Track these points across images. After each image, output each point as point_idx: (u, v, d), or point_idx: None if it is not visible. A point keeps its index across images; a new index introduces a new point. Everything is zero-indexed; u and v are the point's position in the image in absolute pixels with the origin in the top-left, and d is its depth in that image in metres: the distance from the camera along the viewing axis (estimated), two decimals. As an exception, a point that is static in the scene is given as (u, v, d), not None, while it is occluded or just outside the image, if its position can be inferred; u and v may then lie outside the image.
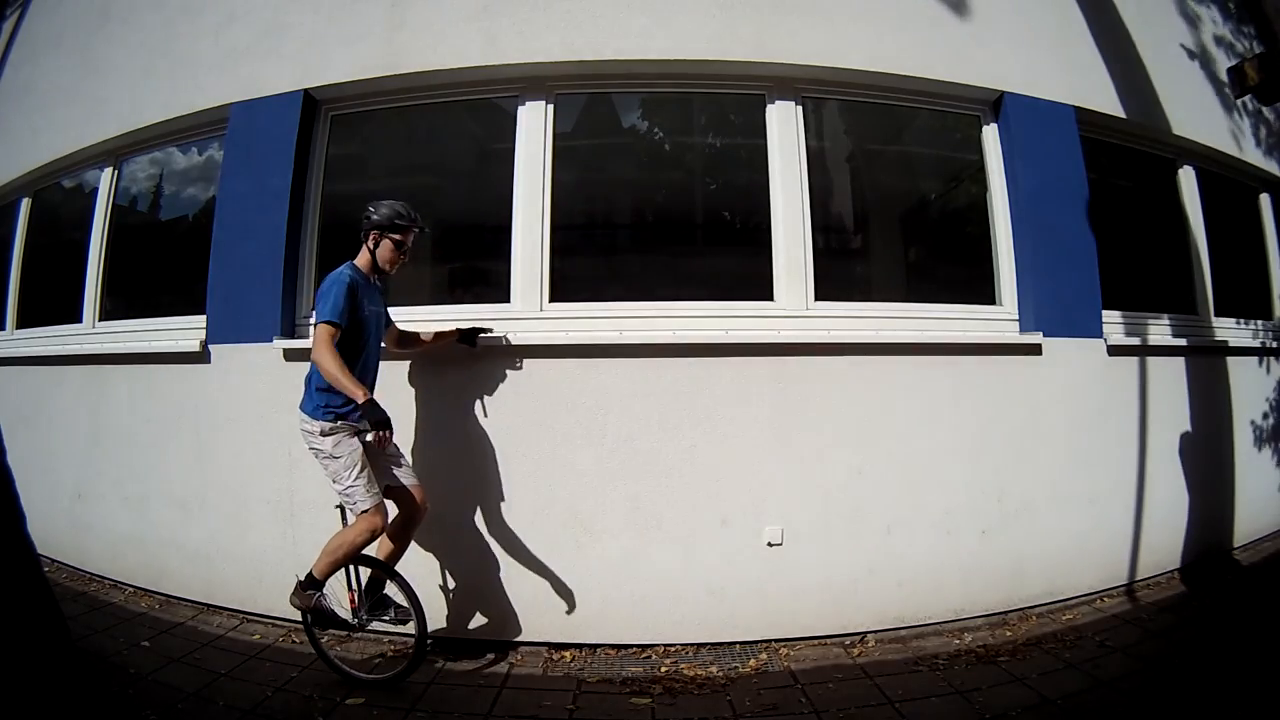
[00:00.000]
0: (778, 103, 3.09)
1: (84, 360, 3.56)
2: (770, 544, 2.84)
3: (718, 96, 3.30)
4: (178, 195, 3.74)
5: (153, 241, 3.81)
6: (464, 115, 3.34)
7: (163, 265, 3.72)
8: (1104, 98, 3.41)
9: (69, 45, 3.93)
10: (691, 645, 2.79)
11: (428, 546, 2.87)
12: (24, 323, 4.07)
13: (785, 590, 2.83)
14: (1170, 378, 3.46)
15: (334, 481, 2.42)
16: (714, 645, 2.78)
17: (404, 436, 2.90)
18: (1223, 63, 3.78)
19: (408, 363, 2.92)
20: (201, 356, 3.15)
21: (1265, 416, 3.90)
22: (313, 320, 2.41)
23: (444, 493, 2.86)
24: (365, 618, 2.50)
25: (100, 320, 3.67)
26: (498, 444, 2.86)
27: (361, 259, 2.57)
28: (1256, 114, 4.05)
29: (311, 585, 2.44)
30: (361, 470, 2.39)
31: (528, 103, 3.06)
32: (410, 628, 2.48)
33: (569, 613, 2.80)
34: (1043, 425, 3.12)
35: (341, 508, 2.51)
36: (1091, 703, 2.23)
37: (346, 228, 3.37)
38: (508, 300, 2.99)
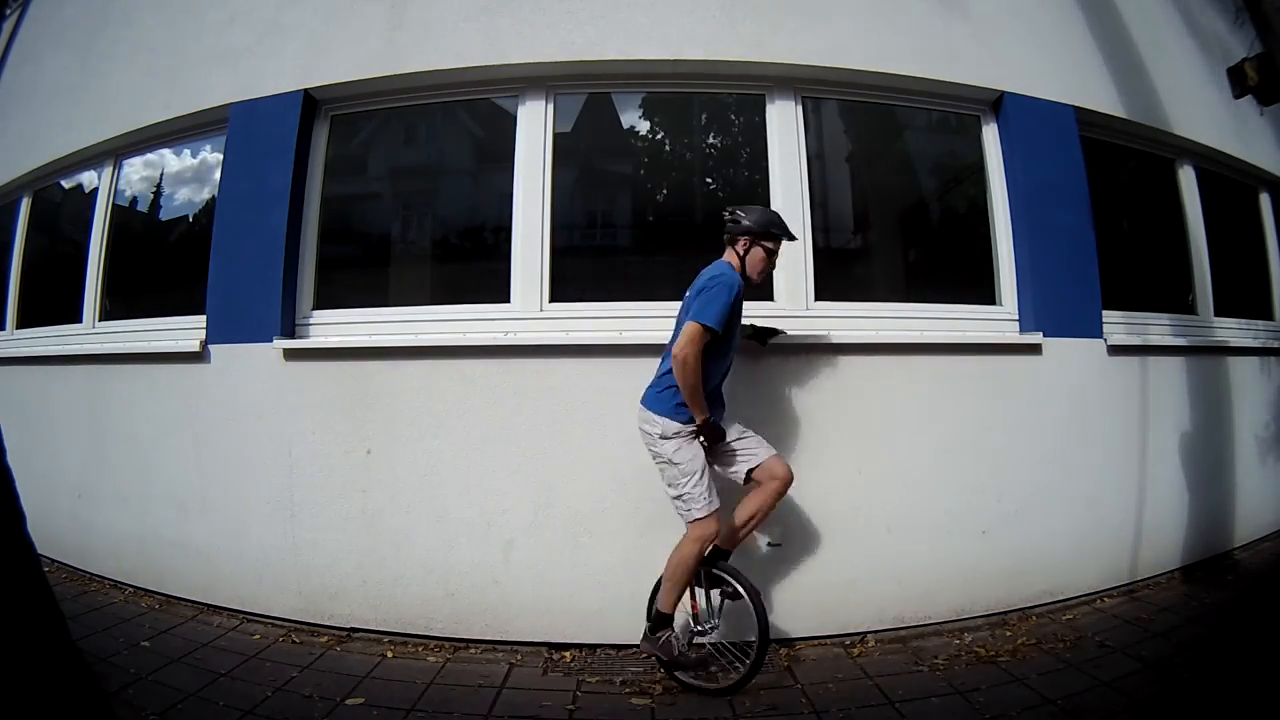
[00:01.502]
0: (778, 103, 3.09)
1: (84, 360, 3.56)
2: (770, 544, 2.84)
3: (718, 96, 3.30)
4: (178, 195, 3.74)
5: (153, 241, 3.82)
6: (464, 115, 3.34)
7: (163, 265, 3.72)
8: (1104, 97, 3.41)
9: (69, 45, 3.93)
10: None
11: (431, 547, 2.87)
12: (24, 323, 4.07)
13: (785, 590, 2.83)
14: (1170, 378, 3.46)
15: (668, 486, 2.37)
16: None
17: (401, 435, 2.91)
18: (1222, 63, 3.77)
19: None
20: (201, 356, 3.15)
21: (1265, 417, 3.90)
22: (687, 315, 2.33)
23: (441, 492, 2.87)
24: (713, 621, 2.46)
25: (100, 320, 3.67)
26: (498, 444, 2.86)
27: (732, 262, 2.47)
28: (1256, 113, 4.04)
29: (663, 625, 2.37)
30: (702, 477, 2.33)
31: (528, 102, 3.06)
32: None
33: (569, 613, 2.80)
34: (1043, 425, 3.12)
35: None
36: (1091, 703, 2.23)
37: (346, 228, 3.39)
38: (508, 300, 2.99)
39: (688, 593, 2.44)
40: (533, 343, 2.86)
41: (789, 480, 2.47)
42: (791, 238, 2.56)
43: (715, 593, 2.49)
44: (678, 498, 2.35)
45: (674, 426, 2.35)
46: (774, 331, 2.80)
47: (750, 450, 2.48)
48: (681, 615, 2.47)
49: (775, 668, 2.62)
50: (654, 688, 2.45)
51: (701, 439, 2.38)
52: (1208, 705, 2.19)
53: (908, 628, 2.89)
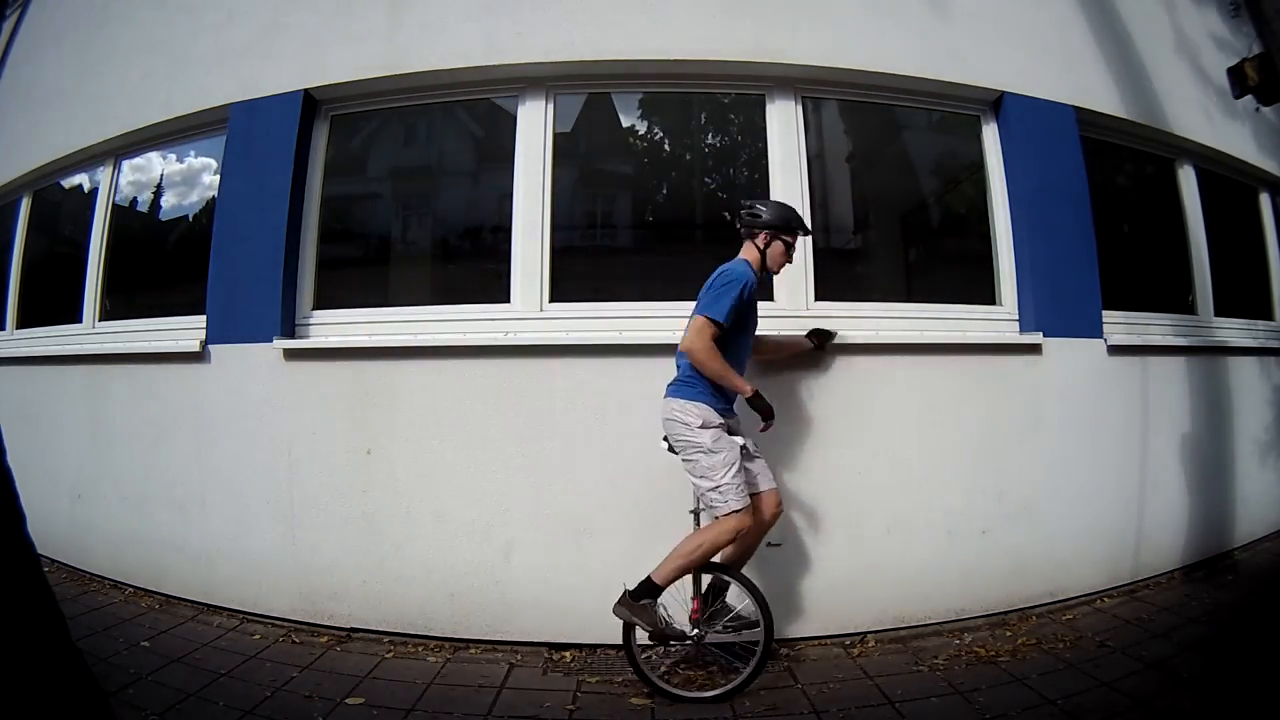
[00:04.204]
0: (778, 103, 3.09)
1: (84, 360, 3.55)
2: (770, 544, 2.83)
3: (718, 96, 3.30)
4: (178, 195, 3.74)
5: (153, 241, 3.81)
6: (464, 115, 3.34)
7: (163, 265, 3.72)
8: (1104, 98, 3.41)
9: (69, 45, 3.93)
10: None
11: (431, 547, 2.87)
12: (24, 323, 4.06)
13: (785, 590, 2.83)
14: (1170, 378, 3.46)
15: (702, 478, 2.31)
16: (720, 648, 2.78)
17: (407, 438, 2.91)
18: (1222, 63, 3.78)
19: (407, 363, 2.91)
20: (201, 356, 3.15)
21: (1265, 417, 3.90)
22: (695, 310, 2.33)
23: (441, 493, 2.87)
24: (705, 629, 2.40)
25: (100, 320, 3.67)
26: (498, 444, 2.86)
27: (751, 257, 2.48)
28: (1256, 113, 4.05)
29: (648, 593, 2.28)
30: (738, 470, 2.31)
31: (528, 102, 3.06)
32: (755, 634, 2.39)
33: (569, 613, 2.80)
34: (1043, 425, 3.12)
35: (696, 512, 2.43)
36: (1091, 703, 2.23)
37: (346, 228, 3.38)
38: (508, 300, 2.99)
39: (690, 593, 2.41)
40: (533, 343, 2.86)
41: (779, 515, 2.52)
42: (808, 231, 2.62)
43: (716, 619, 2.45)
44: (714, 489, 2.28)
45: (715, 416, 2.34)
46: (830, 334, 2.82)
47: (762, 473, 2.48)
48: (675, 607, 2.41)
49: (775, 668, 2.62)
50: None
51: (737, 426, 2.40)
52: (1208, 706, 2.19)
53: (908, 628, 2.89)
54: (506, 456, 2.86)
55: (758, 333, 2.62)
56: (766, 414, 2.38)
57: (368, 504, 2.92)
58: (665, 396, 2.43)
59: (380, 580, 2.89)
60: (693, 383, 2.37)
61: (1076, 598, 3.11)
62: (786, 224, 2.47)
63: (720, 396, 2.39)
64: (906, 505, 2.93)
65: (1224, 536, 3.66)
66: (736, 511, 2.27)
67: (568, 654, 2.74)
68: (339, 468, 2.95)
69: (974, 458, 3.02)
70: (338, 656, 2.72)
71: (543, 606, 2.80)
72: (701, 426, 2.32)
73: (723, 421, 2.38)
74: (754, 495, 2.42)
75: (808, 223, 2.94)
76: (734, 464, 2.31)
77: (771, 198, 3.03)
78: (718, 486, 2.28)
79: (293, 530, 2.98)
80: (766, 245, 2.47)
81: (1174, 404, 3.46)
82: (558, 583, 2.80)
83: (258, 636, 2.88)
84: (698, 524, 2.45)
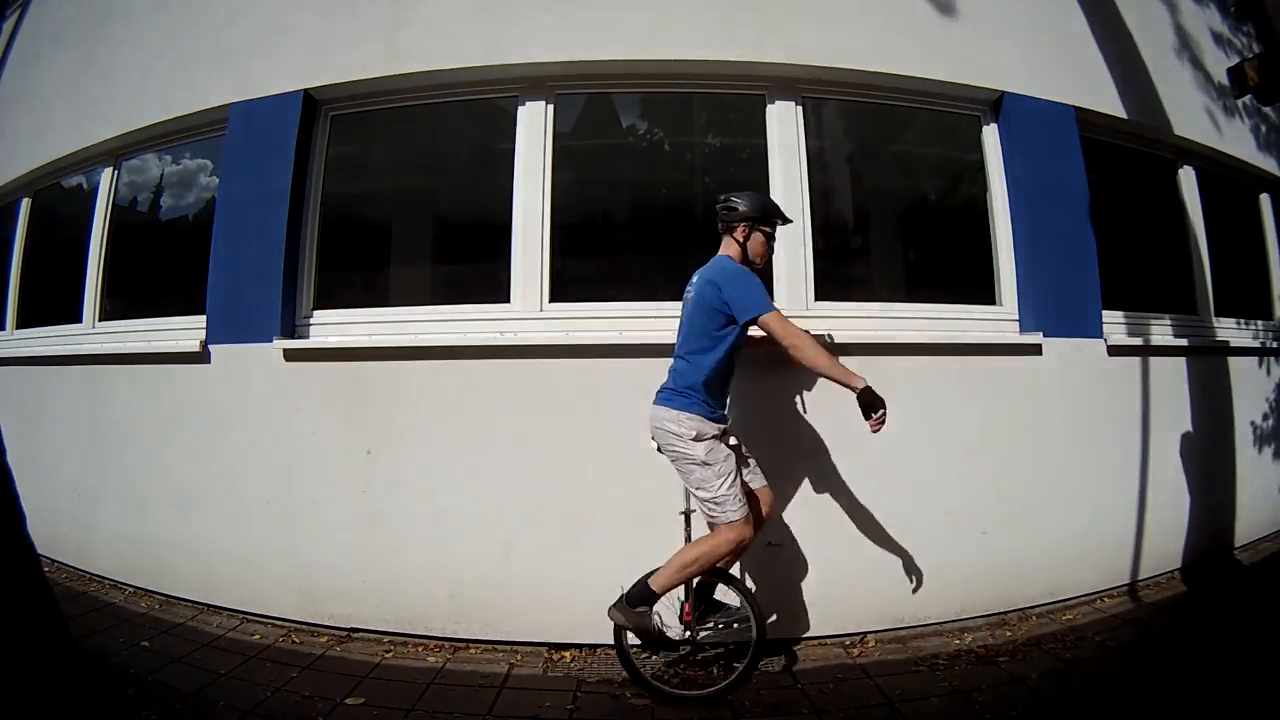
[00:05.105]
0: (778, 103, 3.09)
1: (84, 360, 3.55)
2: (770, 544, 2.84)
3: (718, 96, 3.30)
4: (178, 195, 3.74)
5: (153, 241, 3.81)
6: (464, 115, 3.34)
7: (163, 265, 3.72)
8: (1104, 98, 3.41)
9: (69, 45, 3.93)
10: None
11: (431, 547, 2.87)
12: (24, 323, 4.07)
13: (785, 590, 2.83)
14: (1170, 378, 3.46)
15: (697, 489, 2.28)
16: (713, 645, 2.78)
17: (405, 439, 2.91)
18: (1223, 63, 3.78)
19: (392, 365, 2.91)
20: (201, 356, 3.15)
21: (1265, 416, 3.89)
22: (753, 312, 2.25)
23: (441, 492, 2.87)
24: (696, 630, 2.40)
25: (100, 320, 3.67)
26: (498, 444, 2.86)
27: (731, 252, 2.44)
28: (1256, 114, 4.05)
29: (645, 600, 2.26)
30: (736, 479, 2.27)
31: (528, 103, 3.06)
32: (745, 629, 2.42)
33: (569, 613, 2.80)
34: (1043, 425, 3.12)
35: (687, 514, 2.42)
36: (1092, 703, 2.23)
37: (346, 228, 3.38)
38: (507, 300, 2.99)
39: (680, 597, 2.40)
40: (532, 343, 2.86)
41: (772, 513, 2.51)
42: (787, 220, 2.55)
43: (709, 617, 2.49)
44: (711, 500, 2.26)
45: (709, 426, 2.29)
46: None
47: (753, 471, 2.48)
48: (669, 614, 2.42)
49: (775, 668, 2.62)
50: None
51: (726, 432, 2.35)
52: (1208, 706, 2.19)
53: (908, 628, 2.89)
54: (506, 456, 2.86)
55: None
56: (877, 406, 2.22)
57: (367, 504, 2.92)
58: (655, 404, 2.38)
59: (380, 580, 2.89)
60: (686, 392, 2.32)
61: (1076, 598, 3.11)
62: (765, 214, 2.43)
63: (714, 404, 2.35)
64: (906, 505, 2.92)
65: (1224, 536, 3.66)
66: (735, 521, 2.25)
67: (568, 654, 2.74)
68: (339, 468, 2.95)
69: (974, 458, 3.02)
70: (338, 656, 2.72)
71: (543, 606, 2.80)
72: (695, 439, 2.27)
73: (717, 432, 2.33)
74: (753, 489, 2.44)
75: (801, 229, 2.95)
76: (730, 474, 2.27)
77: (771, 197, 3.04)
78: (715, 498, 2.26)
79: (293, 530, 2.98)
80: (746, 238, 2.43)
81: (1174, 404, 3.46)
82: (557, 583, 2.80)
83: (258, 636, 2.88)
84: (688, 525, 2.45)
